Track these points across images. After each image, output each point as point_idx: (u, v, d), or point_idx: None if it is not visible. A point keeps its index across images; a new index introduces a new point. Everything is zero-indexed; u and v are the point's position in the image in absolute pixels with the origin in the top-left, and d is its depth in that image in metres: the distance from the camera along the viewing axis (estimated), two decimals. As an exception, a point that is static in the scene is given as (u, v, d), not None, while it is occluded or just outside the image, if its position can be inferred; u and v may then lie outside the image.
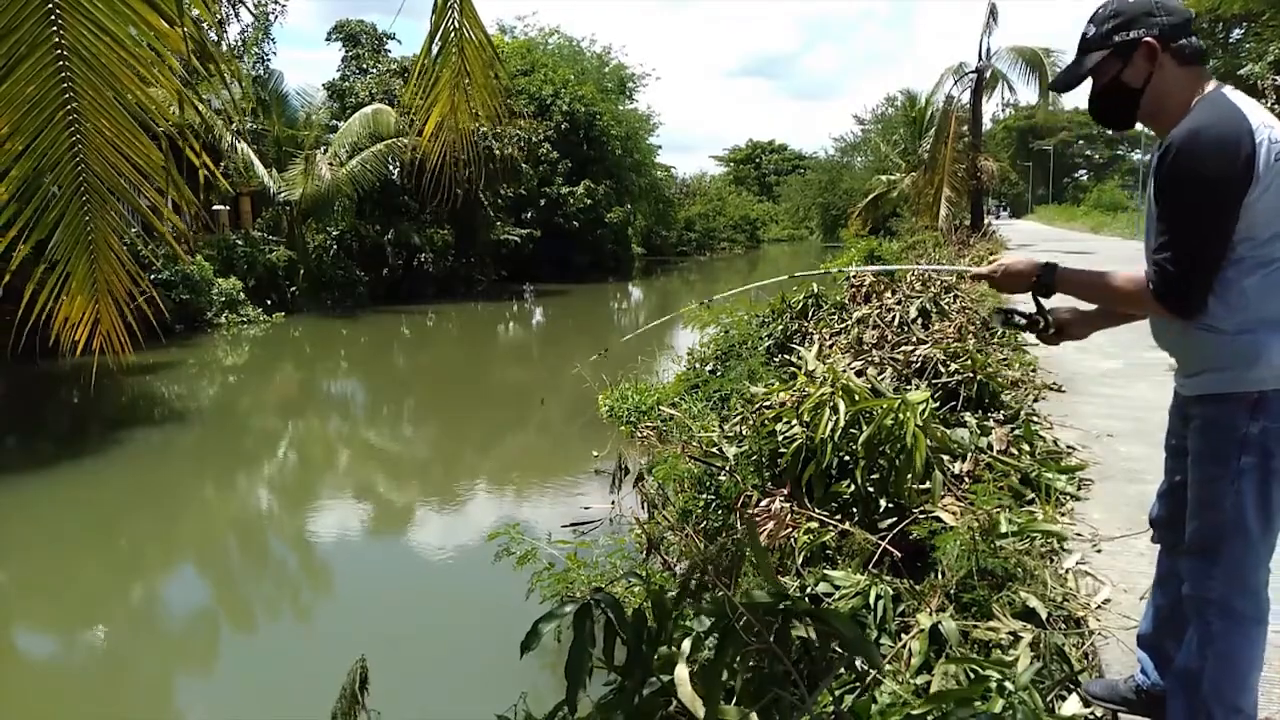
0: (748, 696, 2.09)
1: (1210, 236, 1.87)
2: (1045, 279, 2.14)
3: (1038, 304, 2.27)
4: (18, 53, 2.24)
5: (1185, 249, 1.87)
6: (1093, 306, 2.30)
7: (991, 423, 4.85)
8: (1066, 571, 3.18)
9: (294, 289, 21.17)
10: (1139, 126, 2.15)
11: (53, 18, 2.26)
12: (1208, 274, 1.88)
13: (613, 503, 5.56)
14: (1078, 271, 2.14)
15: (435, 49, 3.15)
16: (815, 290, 8.93)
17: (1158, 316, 2.03)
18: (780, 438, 4.33)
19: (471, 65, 3.15)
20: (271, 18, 21.86)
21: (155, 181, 2.59)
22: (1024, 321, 2.33)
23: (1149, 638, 2.32)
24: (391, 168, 23.24)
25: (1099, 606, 2.95)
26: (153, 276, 16.27)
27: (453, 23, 3.07)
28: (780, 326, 8.53)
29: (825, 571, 3.36)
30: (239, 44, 21.28)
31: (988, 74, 24.44)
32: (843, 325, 7.52)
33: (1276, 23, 18.68)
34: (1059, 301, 2.26)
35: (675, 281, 35.83)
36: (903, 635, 2.91)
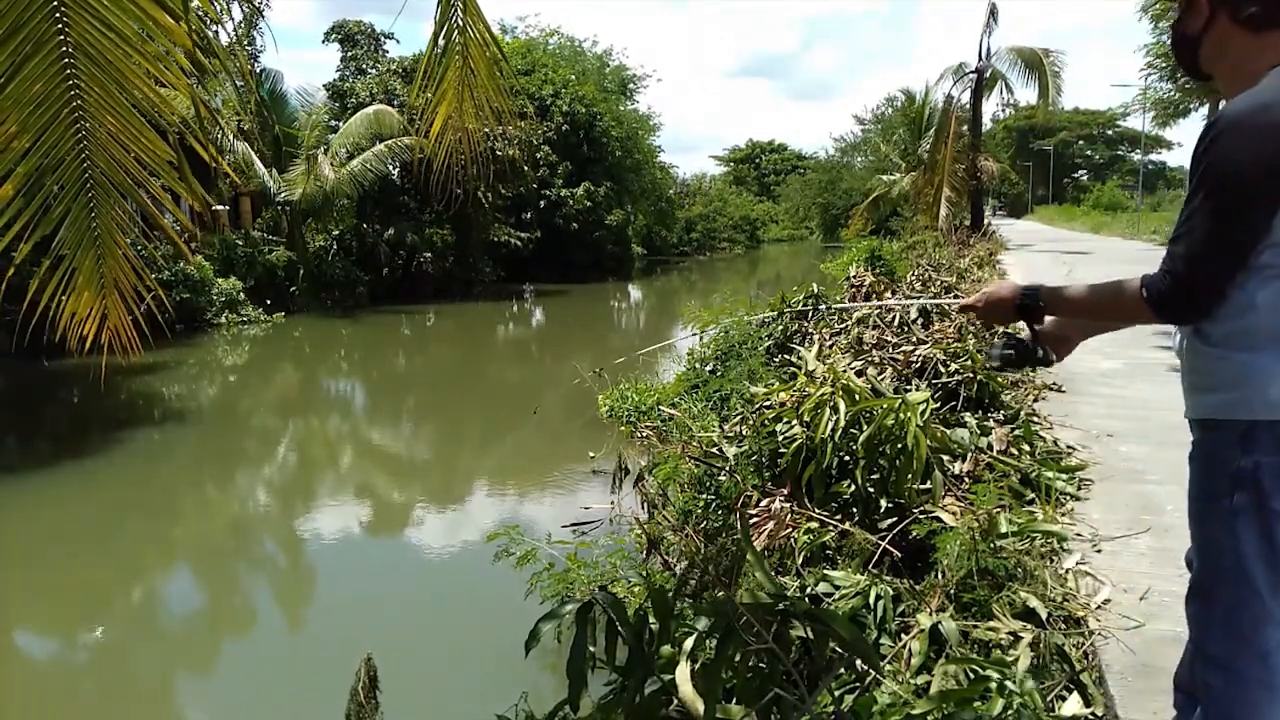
0: (748, 696, 2.10)
1: (1235, 238, 1.59)
2: (1030, 301, 1.93)
3: (1032, 330, 2.03)
4: (24, 51, 2.25)
5: (1202, 246, 1.60)
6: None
7: (991, 423, 4.85)
8: (1066, 571, 3.19)
9: (294, 289, 21.18)
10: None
11: (58, 15, 2.27)
12: (1218, 279, 1.60)
13: (613, 503, 5.56)
14: (1065, 288, 1.91)
15: (440, 47, 3.15)
16: (815, 290, 8.94)
17: (1158, 323, 1.77)
18: (780, 438, 4.33)
19: (476, 64, 3.15)
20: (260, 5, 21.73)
21: (160, 177, 2.59)
22: (1016, 356, 2.08)
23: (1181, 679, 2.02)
24: (391, 168, 23.22)
25: (1099, 606, 2.95)
26: (154, 276, 16.27)
27: (456, 20, 3.07)
28: (780, 327, 8.53)
29: (825, 571, 3.36)
30: (238, 32, 21.18)
31: (987, 74, 24.48)
32: (843, 325, 7.52)
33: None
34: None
35: (675, 281, 35.82)
36: (903, 635, 2.91)
